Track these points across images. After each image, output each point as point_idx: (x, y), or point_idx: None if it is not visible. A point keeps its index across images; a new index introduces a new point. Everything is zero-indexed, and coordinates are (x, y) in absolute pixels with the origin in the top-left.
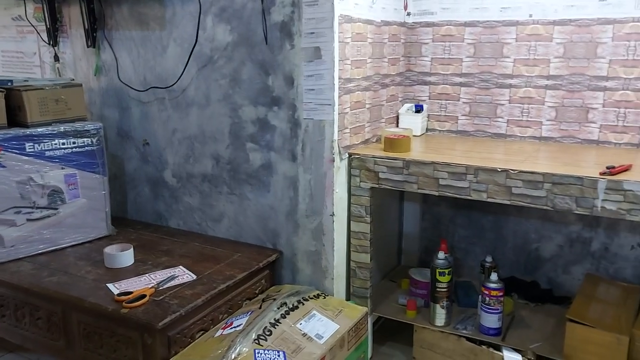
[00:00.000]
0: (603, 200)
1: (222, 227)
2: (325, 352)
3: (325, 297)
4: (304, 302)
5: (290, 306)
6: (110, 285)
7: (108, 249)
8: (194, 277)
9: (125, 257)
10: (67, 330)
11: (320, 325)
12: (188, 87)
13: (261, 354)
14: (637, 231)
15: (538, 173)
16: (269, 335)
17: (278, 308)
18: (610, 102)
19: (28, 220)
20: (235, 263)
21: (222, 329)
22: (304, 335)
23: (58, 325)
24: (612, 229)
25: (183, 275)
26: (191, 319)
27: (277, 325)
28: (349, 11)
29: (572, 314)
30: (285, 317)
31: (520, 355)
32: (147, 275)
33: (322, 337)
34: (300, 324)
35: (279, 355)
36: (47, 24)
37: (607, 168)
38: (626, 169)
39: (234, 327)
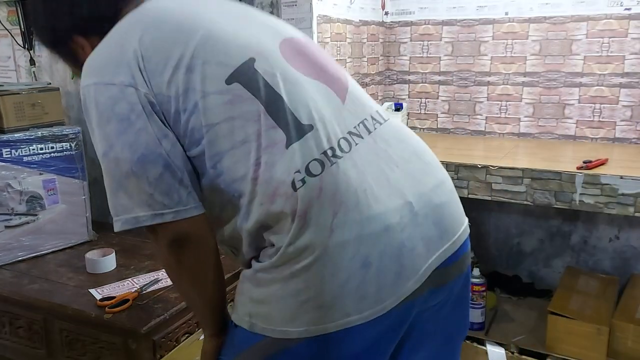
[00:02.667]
0: (581, 194)
1: None
2: None
3: None
4: None
5: None
6: (92, 291)
7: (89, 255)
8: None
9: (107, 262)
10: (49, 338)
11: None
12: None
13: None
14: (614, 224)
15: (517, 169)
16: None
17: None
18: (585, 97)
19: (6, 227)
20: None
21: None
22: None
23: (40, 334)
24: (591, 223)
25: (167, 278)
26: (176, 322)
27: None
28: (328, 11)
29: (554, 306)
30: None
31: (504, 349)
32: (130, 279)
33: None
34: None
35: None
36: (22, 27)
37: (584, 162)
38: (602, 163)
39: None
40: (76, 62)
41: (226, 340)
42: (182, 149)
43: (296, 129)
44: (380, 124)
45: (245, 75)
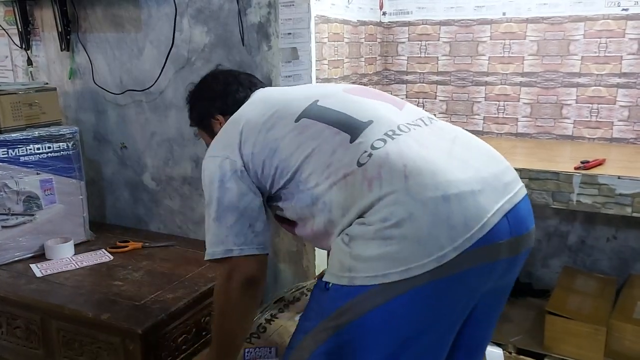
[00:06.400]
0: (578, 194)
1: (203, 230)
2: None
3: None
4: (307, 293)
5: (291, 299)
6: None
7: (50, 242)
8: (175, 280)
9: (65, 248)
10: (46, 339)
11: None
12: (166, 89)
13: (250, 352)
14: (612, 224)
15: (515, 169)
16: (262, 332)
17: (274, 303)
18: (583, 98)
19: (3, 227)
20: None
21: None
22: None
23: (37, 334)
24: (588, 223)
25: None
26: (173, 322)
27: (273, 321)
28: (326, 11)
29: (552, 306)
30: (283, 312)
31: (502, 349)
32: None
33: None
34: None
35: (270, 352)
36: (19, 27)
37: (582, 163)
38: (600, 163)
39: None
40: (212, 134)
41: (310, 306)
42: (260, 201)
43: (358, 128)
44: (437, 120)
45: (311, 111)
